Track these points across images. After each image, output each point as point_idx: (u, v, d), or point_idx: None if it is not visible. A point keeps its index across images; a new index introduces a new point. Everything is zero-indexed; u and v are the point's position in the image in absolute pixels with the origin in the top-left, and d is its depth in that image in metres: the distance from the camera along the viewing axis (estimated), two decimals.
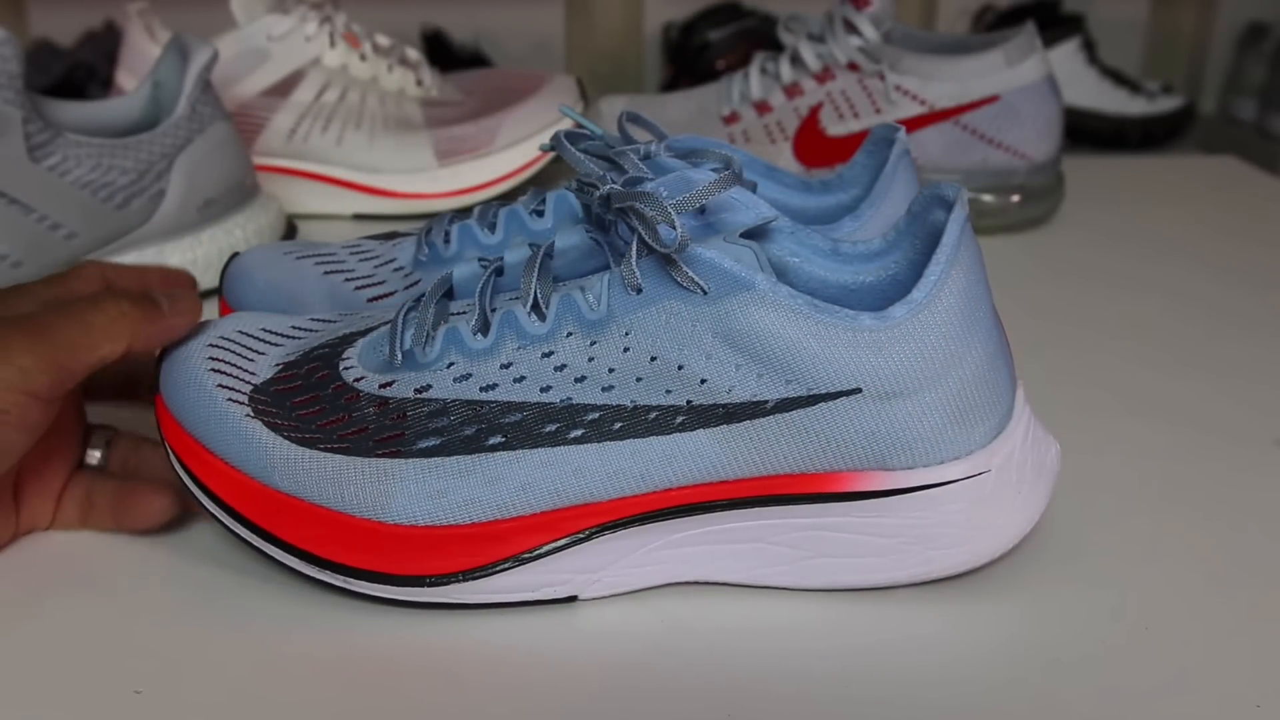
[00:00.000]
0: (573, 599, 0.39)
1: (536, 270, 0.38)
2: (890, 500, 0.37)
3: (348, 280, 0.49)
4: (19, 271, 0.57)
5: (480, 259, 0.43)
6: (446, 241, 0.49)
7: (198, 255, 0.64)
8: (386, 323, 0.40)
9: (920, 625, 0.38)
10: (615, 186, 0.37)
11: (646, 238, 0.35)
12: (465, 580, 0.37)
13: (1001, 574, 0.40)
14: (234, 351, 0.40)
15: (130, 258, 0.61)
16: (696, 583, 0.39)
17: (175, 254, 0.63)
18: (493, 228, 0.48)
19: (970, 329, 0.36)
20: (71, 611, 0.38)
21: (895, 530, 0.38)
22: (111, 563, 0.40)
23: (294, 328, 0.42)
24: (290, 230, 0.72)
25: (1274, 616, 0.39)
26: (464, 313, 0.39)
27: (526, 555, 0.37)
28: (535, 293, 0.37)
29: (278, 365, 0.40)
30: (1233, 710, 0.35)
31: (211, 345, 0.41)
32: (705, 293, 0.35)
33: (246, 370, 0.40)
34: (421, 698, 0.35)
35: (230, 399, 0.39)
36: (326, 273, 0.49)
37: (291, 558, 0.38)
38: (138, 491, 0.41)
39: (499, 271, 0.41)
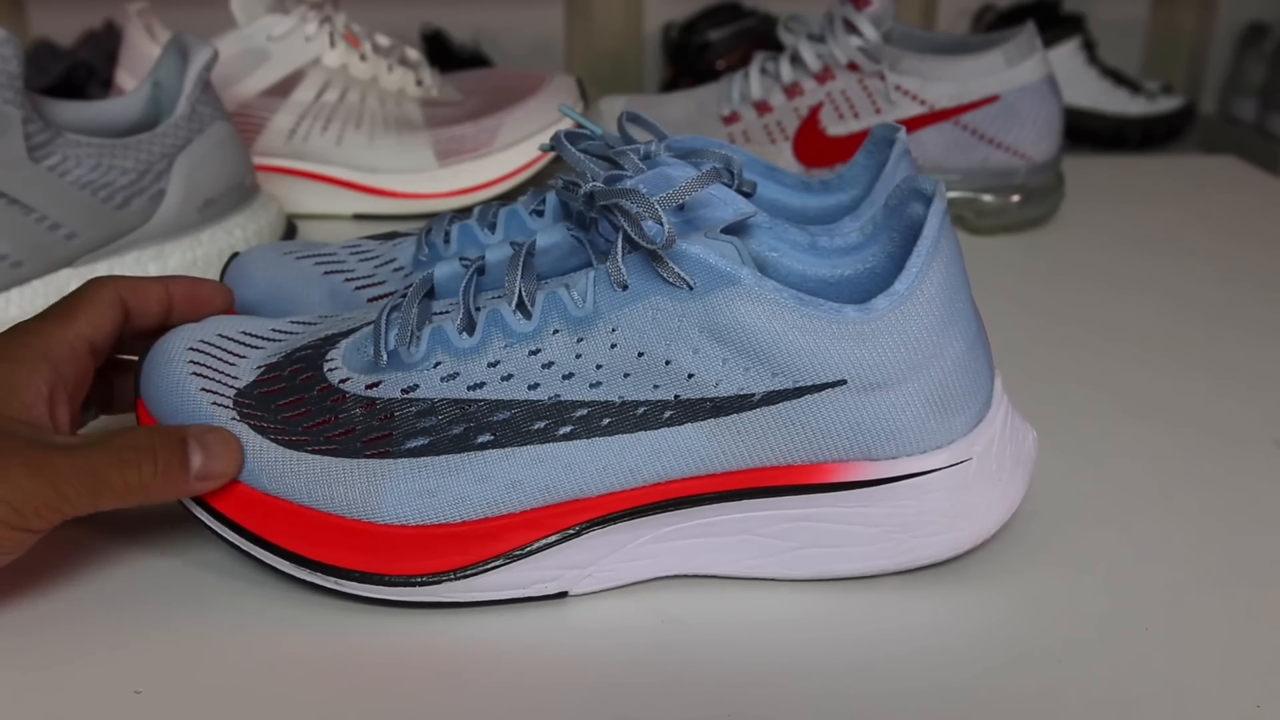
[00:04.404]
0: (563, 595, 0.39)
1: (520, 268, 0.38)
2: (875, 490, 0.37)
3: (348, 280, 0.49)
4: (19, 271, 0.57)
5: (461, 258, 0.43)
6: (446, 241, 0.48)
7: (198, 255, 0.64)
8: (369, 324, 0.40)
9: (913, 614, 0.38)
10: (598, 184, 0.37)
11: (632, 234, 0.35)
12: (456, 579, 0.37)
13: (987, 563, 0.40)
14: (215, 355, 0.40)
15: (130, 258, 0.61)
16: (686, 576, 0.40)
17: (175, 254, 0.63)
18: (493, 228, 0.48)
19: (951, 319, 0.36)
20: (72, 611, 0.38)
21: (881, 519, 0.38)
22: (111, 564, 0.41)
23: (274, 330, 0.42)
24: (290, 230, 0.72)
25: (1274, 616, 0.38)
26: (447, 312, 0.39)
27: (517, 552, 0.37)
28: (520, 291, 0.37)
29: (259, 368, 0.40)
30: (1233, 710, 0.34)
31: (192, 349, 0.40)
32: (691, 288, 0.35)
33: (229, 374, 0.40)
34: (415, 697, 0.35)
35: (215, 403, 0.39)
36: (326, 273, 0.49)
37: (282, 560, 0.38)
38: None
39: (481, 270, 0.41)
